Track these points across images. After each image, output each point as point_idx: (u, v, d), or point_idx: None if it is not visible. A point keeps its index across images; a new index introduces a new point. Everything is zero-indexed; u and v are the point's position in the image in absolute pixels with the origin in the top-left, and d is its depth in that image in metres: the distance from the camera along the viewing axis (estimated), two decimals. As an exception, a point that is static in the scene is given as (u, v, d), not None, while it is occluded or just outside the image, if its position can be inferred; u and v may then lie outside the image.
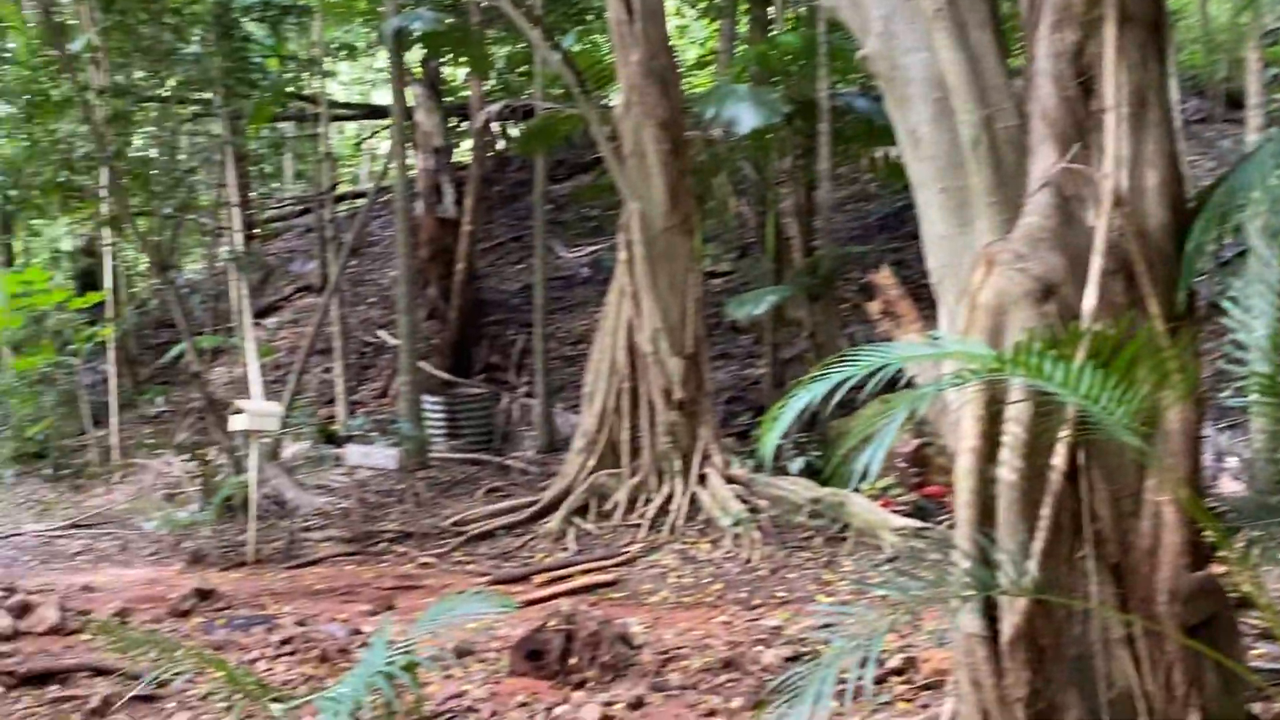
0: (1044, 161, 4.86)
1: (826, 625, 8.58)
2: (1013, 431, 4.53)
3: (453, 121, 25.96)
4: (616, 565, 12.00)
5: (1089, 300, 4.55)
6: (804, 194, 16.52)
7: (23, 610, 10.54)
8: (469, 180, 21.44)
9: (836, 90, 15.72)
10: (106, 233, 20.72)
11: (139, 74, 19.18)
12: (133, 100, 18.01)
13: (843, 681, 4.09)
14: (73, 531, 16.42)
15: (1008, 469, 4.53)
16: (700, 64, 27.41)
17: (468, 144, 26.33)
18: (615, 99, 15.16)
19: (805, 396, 4.16)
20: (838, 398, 4.22)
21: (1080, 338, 4.24)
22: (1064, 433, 4.47)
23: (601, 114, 14.67)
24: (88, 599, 11.79)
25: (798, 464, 13.42)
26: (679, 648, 8.63)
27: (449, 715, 7.49)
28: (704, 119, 14.32)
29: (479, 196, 21.82)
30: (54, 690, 8.42)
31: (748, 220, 20.54)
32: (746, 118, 13.51)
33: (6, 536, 16.41)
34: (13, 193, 17.20)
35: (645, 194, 13.82)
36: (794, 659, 7.97)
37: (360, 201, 26.99)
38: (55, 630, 10.26)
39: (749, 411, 17.20)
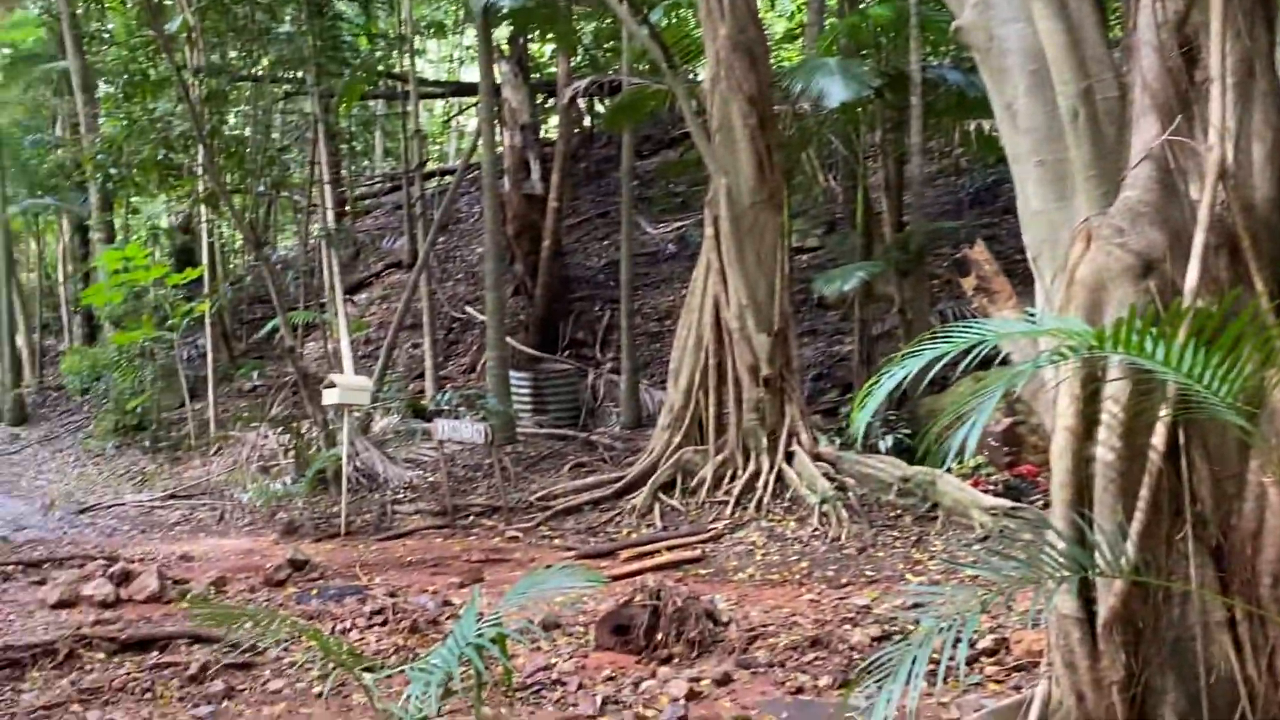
0: (1145, 134, 4.73)
1: (916, 605, 8.52)
2: (1111, 410, 4.44)
3: (540, 98, 26.08)
4: (702, 541, 12.01)
5: (1191, 276, 4.42)
6: (894, 168, 16.30)
7: (124, 578, 10.86)
8: (556, 156, 21.50)
9: (928, 63, 15.47)
10: (203, 210, 21.13)
11: (233, 54, 19.49)
12: (227, 79, 18.30)
13: (933, 661, 4.05)
14: (171, 502, 16.87)
15: (1105, 448, 4.44)
16: (789, 37, 27.13)
17: (555, 120, 26.42)
18: (703, 73, 15.07)
19: (897, 374, 4.10)
20: (930, 375, 4.16)
21: (1183, 315, 4.13)
22: (1164, 412, 4.36)
23: (689, 89, 14.59)
24: (186, 568, 12.11)
25: (887, 442, 13.29)
26: (765, 625, 8.61)
27: (536, 687, 7.56)
28: (792, 93, 14.16)
29: (565, 173, 21.88)
30: (154, 657, 8.66)
31: (836, 195, 20.35)
32: (836, 91, 13.33)
33: (108, 506, 16.92)
34: (113, 171, 17.58)
35: (732, 169, 13.74)
36: (883, 638, 7.91)
37: (448, 178, 27.21)
38: (155, 598, 10.56)
39: (836, 388, 17.09)
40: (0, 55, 28.89)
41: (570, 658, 8.16)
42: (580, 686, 7.48)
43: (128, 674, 8.22)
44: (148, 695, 7.81)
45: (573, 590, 8.12)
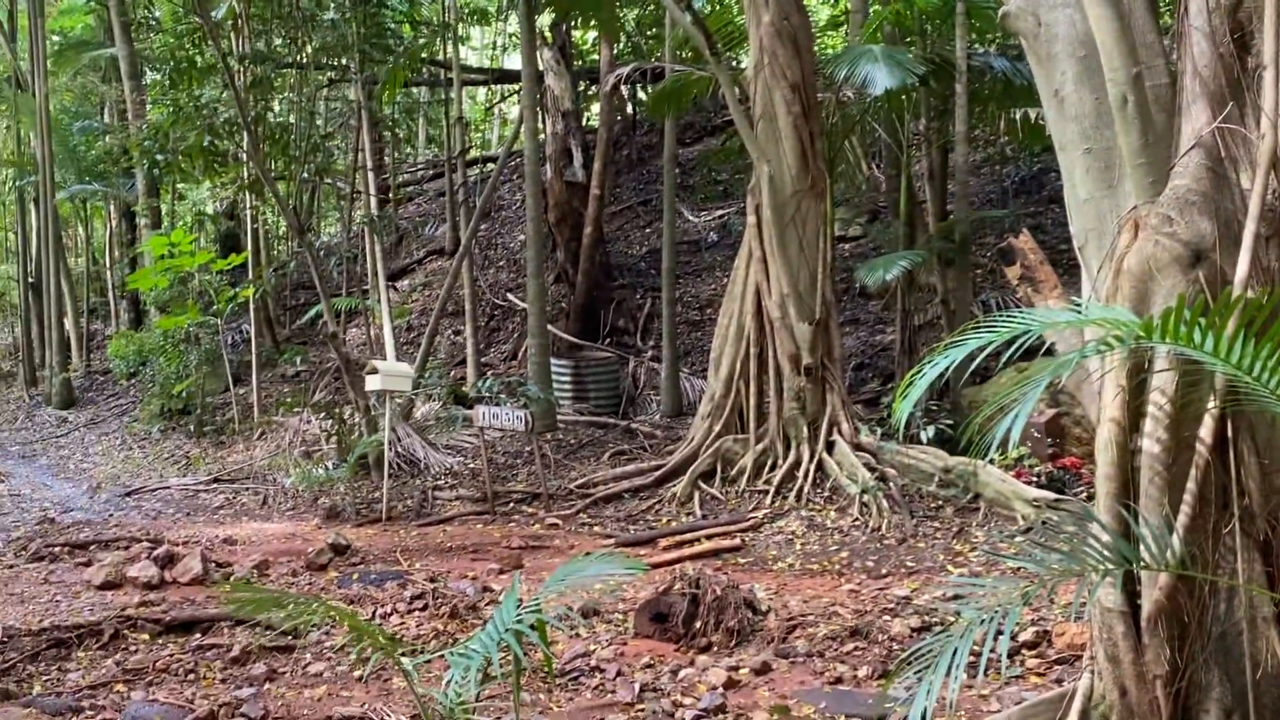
0: (1195, 121, 4.65)
1: (957, 596, 8.49)
2: (1157, 402, 4.38)
3: (582, 85, 26.07)
4: (742, 530, 11.99)
5: (1242, 266, 4.35)
6: (938, 157, 16.17)
7: (168, 561, 10.99)
8: (598, 144, 21.48)
9: (974, 50, 15.32)
10: (248, 196, 21.30)
11: (278, 41, 19.60)
12: (272, 67, 18.42)
13: (974, 654, 4.02)
14: (215, 486, 17.04)
15: (1151, 441, 4.38)
16: (833, 24, 26.98)
17: (597, 108, 26.41)
18: (746, 61, 15.00)
19: (939, 363, 4.06)
20: (972, 366, 4.12)
21: (1232, 305, 4.06)
22: (1212, 404, 4.30)
23: (731, 76, 14.52)
24: (229, 551, 12.23)
25: (929, 432, 13.21)
26: (805, 615, 8.59)
27: (575, 674, 7.59)
28: (836, 80, 14.07)
29: (607, 160, 21.85)
30: (197, 638, 8.77)
31: (879, 184, 20.23)
32: (880, 78, 13.22)
33: (153, 490, 17.11)
34: (160, 157, 17.74)
35: (775, 157, 13.68)
36: (923, 629, 7.88)
37: (491, 166, 27.28)
38: (199, 581, 10.68)
39: (878, 378, 17.00)
40: (50, 42, 29.19)
41: (609, 645, 8.18)
42: (619, 674, 7.50)
43: (171, 655, 8.32)
44: (190, 676, 7.91)
45: (612, 578, 8.13)
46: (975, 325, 4.22)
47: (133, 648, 8.57)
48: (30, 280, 29.47)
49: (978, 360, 4.10)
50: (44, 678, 7.98)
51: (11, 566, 11.86)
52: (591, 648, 8.10)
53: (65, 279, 28.66)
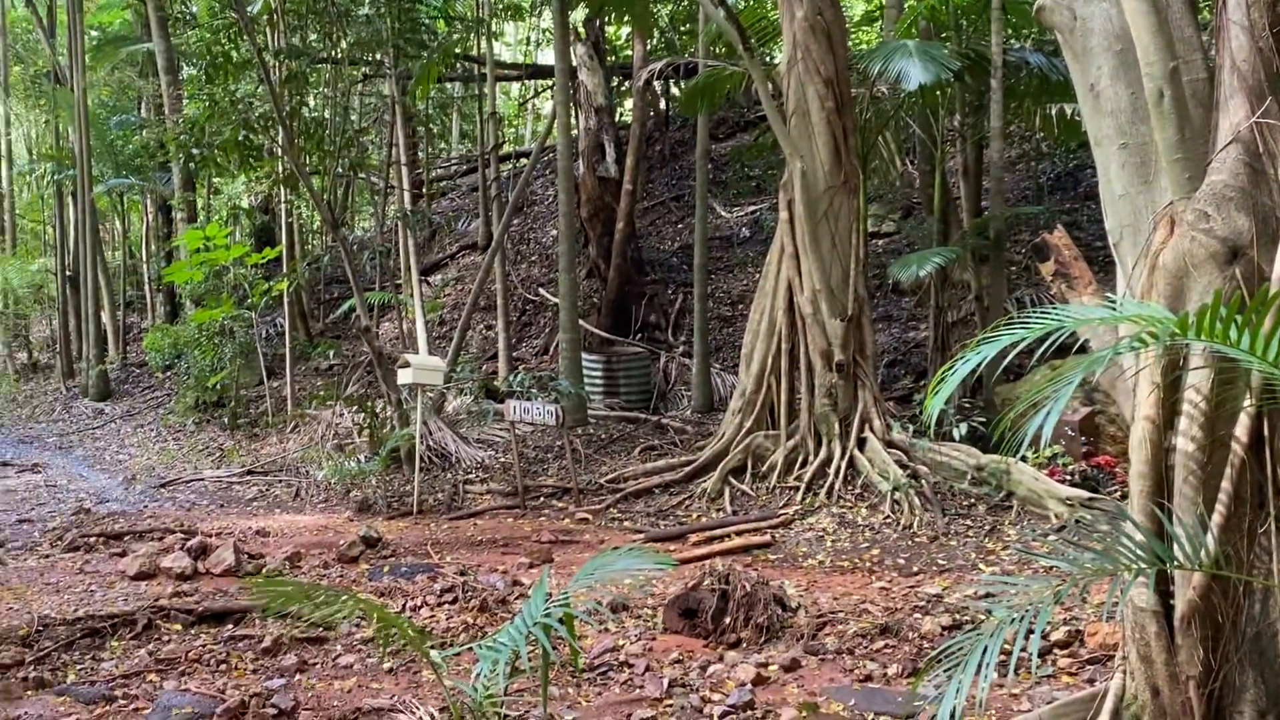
0: (1233, 116, 4.59)
1: (989, 594, 8.45)
2: (1192, 400, 4.34)
3: (616, 81, 26.07)
4: (772, 527, 11.97)
5: (1280, 263, 4.30)
6: (973, 153, 16.07)
7: (202, 552, 11.08)
8: (630, 139, 21.48)
9: (1009, 45, 15.22)
10: (282, 191, 21.42)
11: (313, 36, 19.70)
12: (307, 62, 18.50)
13: (1005, 652, 3.99)
14: (248, 478, 17.16)
15: (1186, 439, 4.34)
16: (868, 19, 26.86)
17: (630, 103, 26.41)
18: (779, 56, 14.95)
19: (972, 360, 4.04)
20: (1005, 362, 4.09)
21: (1269, 302, 4.01)
22: (1248, 402, 4.25)
23: (765, 71, 14.48)
24: (262, 543, 12.31)
25: (961, 430, 13.13)
26: (835, 612, 8.56)
27: (603, 668, 7.59)
28: (870, 75, 14.00)
29: (640, 156, 21.85)
30: (229, 629, 8.83)
31: (913, 180, 20.12)
32: (914, 73, 13.14)
33: (187, 481, 17.25)
34: (195, 151, 17.86)
35: (808, 153, 13.63)
36: (954, 628, 7.84)
37: (524, 161, 27.32)
38: (231, 572, 10.76)
39: (911, 375, 16.92)
40: (89, 38, 29.47)
41: (638, 640, 8.18)
42: (647, 669, 7.49)
43: (203, 645, 8.39)
44: (222, 666, 7.97)
45: (641, 573, 8.12)
46: (1008, 321, 4.19)
47: (165, 638, 8.64)
48: (68, 273, 29.77)
49: (1010, 357, 4.08)
50: (78, 666, 8.06)
51: (47, 556, 11.99)
52: (620, 642, 8.10)
53: (102, 272, 28.92)
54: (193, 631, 8.83)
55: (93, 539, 12.51)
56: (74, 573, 11.08)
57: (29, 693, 7.46)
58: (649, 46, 23.32)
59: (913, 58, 13.26)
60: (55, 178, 29.36)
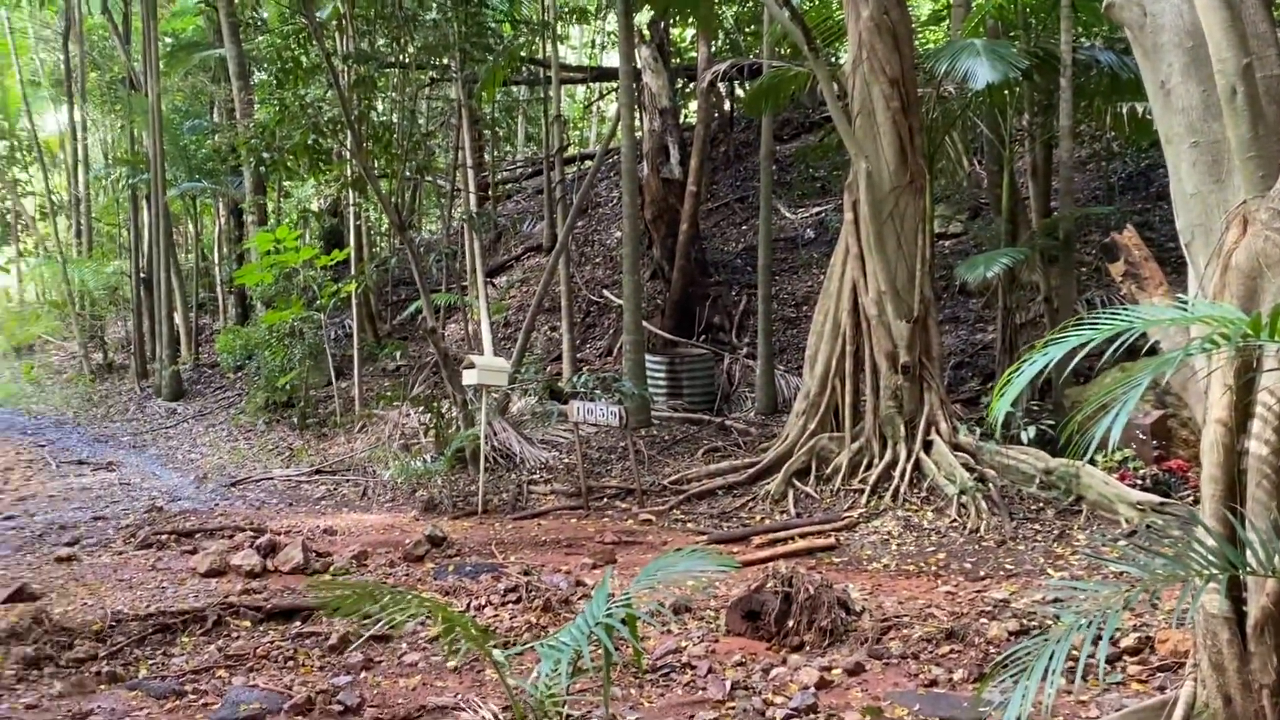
0: (1310, 113, 4.51)
1: (1057, 600, 8.33)
2: (1265, 403, 4.25)
3: (680, 82, 26.06)
4: (836, 529, 11.90)
5: (1358, 263, 4.21)
6: (1042, 152, 15.85)
7: (271, 549, 11.24)
8: (695, 141, 21.46)
9: (1079, 43, 15.00)
10: (351, 194, 21.67)
11: (381, 41, 19.89)
12: (375, 66, 18.69)
13: (1073, 658, 3.93)
14: (316, 477, 17.38)
15: (1259, 442, 4.25)
16: (935, 19, 26.61)
17: (694, 105, 26.38)
18: (844, 56, 14.86)
19: (1039, 362, 3.99)
20: (1074, 364, 4.04)
21: (1347, 303, 3.93)
22: (1325, 405, 4.16)
23: (830, 71, 14.39)
24: (329, 541, 12.47)
25: (1029, 433, 12.96)
26: (899, 616, 8.49)
27: (665, 670, 7.59)
28: (937, 75, 13.87)
29: (704, 157, 21.82)
30: (297, 626, 8.95)
31: (981, 180, 19.89)
32: (982, 73, 12.98)
33: (257, 480, 17.50)
34: (266, 155, 18.10)
35: (873, 153, 13.54)
36: (1020, 633, 7.74)
37: (588, 163, 27.40)
38: (299, 570, 10.90)
39: (978, 377, 16.73)
40: (162, 44, 29.97)
41: (700, 642, 8.17)
42: (710, 671, 7.49)
43: (271, 642, 8.51)
44: (290, 663, 8.08)
45: (704, 574, 8.12)
46: (1077, 322, 4.13)
47: (235, 634, 8.78)
48: (142, 275, 30.32)
49: (1078, 358, 4.02)
50: (150, 661, 8.21)
51: (121, 553, 12.22)
52: (683, 644, 8.10)
53: (175, 274, 29.41)
54: (261, 628, 8.96)
55: (165, 536, 12.73)
56: (146, 569, 11.29)
57: (102, 687, 7.62)
58: (713, 48, 23.30)
59: (980, 56, 13.11)
60: (130, 182, 29.91)
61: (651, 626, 8.29)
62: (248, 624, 9.01)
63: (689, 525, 12.91)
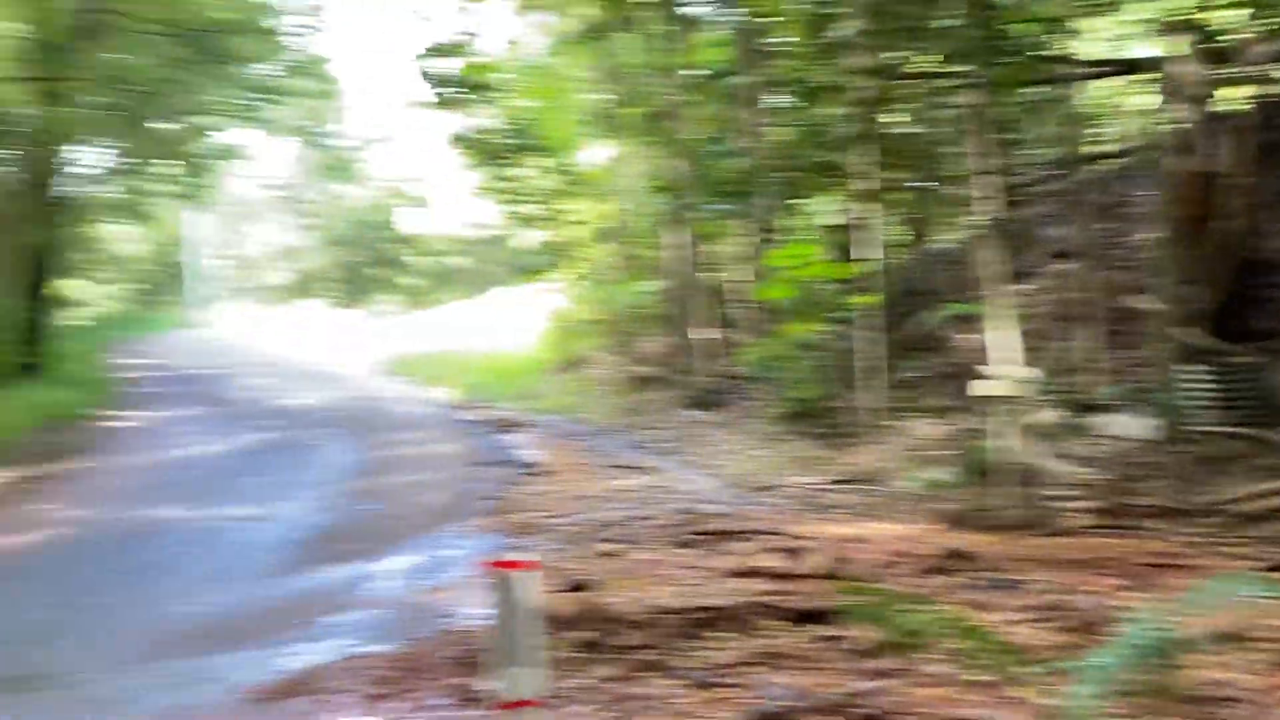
0: None
1: None
2: None
3: (1217, 69, 24.03)
4: None
5: None
6: None
7: (793, 553, 11.63)
8: (1236, 131, 19.69)
9: None
10: (860, 207, 21.92)
11: (896, 54, 19.97)
12: (890, 79, 18.80)
13: None
14: (834, 486, 17.70)
15: None
16: None
17: (1233, 92, 24.22)
18: None
19: None
20: None
21: None
22: None
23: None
24: (848, 549, 12.66)
25: None
26: None
27: (1207, 701, 7.03)
28: None
29: (1247, 148, 19.96)
30: (820, 629, 9.18)
31: None
32: None
33: (778, 487, 18.11)
34: (784, 175, 18.73)
35: None
36: None
37: (1113, 162, 25.93)
38: (821, 574, 11.17)
39: None
40: (690, 76, 31.74)
41: (1253, 675, 7.49)
42: (1256, 705, 6.85)
43: (795, 642, 8.79)
44: (813, 664, 8.30)
45: (1256, 603, 7.45)
46: None
47: (762, 632, 9.15)
48: (672, 294, 32.28)
49: None
50: (685, 652, 8.74)
51: (657, 550, 13.09)
52: (1232, 675, 7.47)
53: (702, 291, 31.06)
54: (787, 628, 9.27)
55: (696, 536, 13.48)
56: (681, 566, 12.00)
57: (643, 673, 8.23)
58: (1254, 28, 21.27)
59: None
60: (662, 207, 31.99)
61: (1197, 654, 7.72)
62: (774, 623, 9.35)
63: (1235, 549, 11.86)
